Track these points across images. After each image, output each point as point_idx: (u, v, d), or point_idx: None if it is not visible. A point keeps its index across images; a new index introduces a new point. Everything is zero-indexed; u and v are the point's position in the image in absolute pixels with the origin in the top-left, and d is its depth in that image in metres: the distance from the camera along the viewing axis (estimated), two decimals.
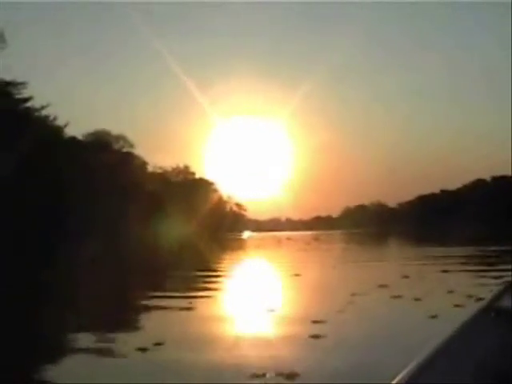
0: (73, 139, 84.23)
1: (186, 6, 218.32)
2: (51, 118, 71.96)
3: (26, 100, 63.21)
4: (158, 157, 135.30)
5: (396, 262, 20.46)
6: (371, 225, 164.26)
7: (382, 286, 11.66)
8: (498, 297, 4.07)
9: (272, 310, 8.96)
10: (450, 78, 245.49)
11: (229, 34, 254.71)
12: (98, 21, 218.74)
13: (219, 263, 23.50)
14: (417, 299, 9.80)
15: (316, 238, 63.75)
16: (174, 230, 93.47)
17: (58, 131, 73.36)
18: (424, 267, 17.22)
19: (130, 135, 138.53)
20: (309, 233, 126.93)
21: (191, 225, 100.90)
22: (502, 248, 25.71)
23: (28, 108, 63.35)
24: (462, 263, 19.08)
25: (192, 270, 19.51)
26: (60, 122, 73.25)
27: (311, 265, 20.47)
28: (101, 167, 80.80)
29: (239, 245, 52.10)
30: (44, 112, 67.58)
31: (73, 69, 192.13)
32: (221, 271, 18.75)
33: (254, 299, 11.11)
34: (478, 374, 2.92)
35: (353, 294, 10.31)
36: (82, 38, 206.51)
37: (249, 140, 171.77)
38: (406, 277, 13.71)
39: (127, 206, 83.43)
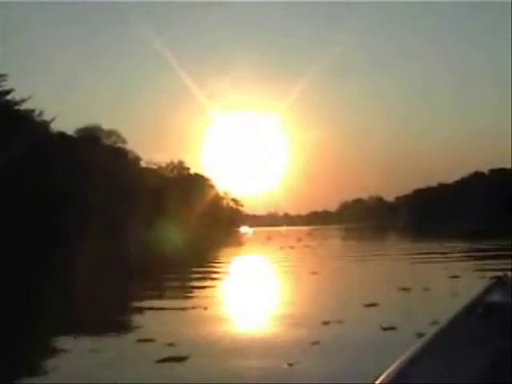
0: (61, 134, 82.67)
1: (184, 2, 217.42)
2: (37, 112, 70.33)
3: (7, 92, 61.28)
4: (153, 152, 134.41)
5: (391, 263, 18.21)
6: (368, 219, 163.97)
7: (369, 305, 8.50)
8: (486, 292, 3.96)
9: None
10: (449, 73, 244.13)
11: (226, 29, 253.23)
12: (95, 15, 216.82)
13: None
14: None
15: (309, 234, 62.77)
16: (169, 226, 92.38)
17: (44, 126, 71.62)
18: (424, 269, 15.36)
19: (125, 131, 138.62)
20: (305, 228, 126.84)
21: (186, 221, 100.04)
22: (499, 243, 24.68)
23: (8, 101, 61.34)
24: (462, 259, 17.54)
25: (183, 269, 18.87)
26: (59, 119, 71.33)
27: (288, 269, 17.13)
28: (90, 163, 79.29)
29: (229, 241, 50.79)
30: (28, 106, 65.65)
31: (67, 63, 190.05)
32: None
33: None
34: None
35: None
36: (78, 32, 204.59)
37: (245, 135, 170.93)
38: (405, 289, 10.27)
39: (118, 202, 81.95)
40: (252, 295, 11.19)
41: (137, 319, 8.78)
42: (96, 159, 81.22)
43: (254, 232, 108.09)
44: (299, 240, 43.58)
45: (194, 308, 9.07)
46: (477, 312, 3.60)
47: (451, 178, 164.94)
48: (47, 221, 62.56)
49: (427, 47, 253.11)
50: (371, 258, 20.29)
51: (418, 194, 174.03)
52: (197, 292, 11.87)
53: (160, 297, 11.73)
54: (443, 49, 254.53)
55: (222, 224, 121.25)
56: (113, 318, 9.13)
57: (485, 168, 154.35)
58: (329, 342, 6.18)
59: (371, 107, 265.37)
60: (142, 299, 11.11)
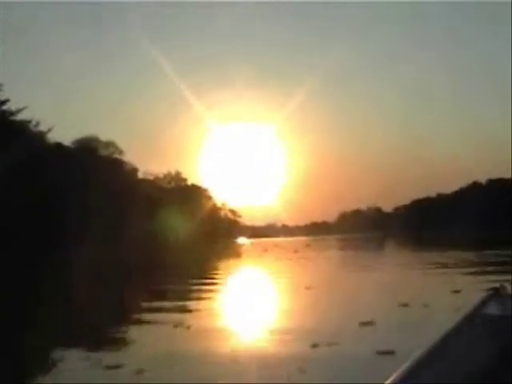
0: (58, 145, 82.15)
1: (181, 12, 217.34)
2: (33, 122, 69.75)
3: (3, 103, 60.58)
4: (150, 163, 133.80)
5: (390, 275, 17.45)
6: (367, 229, 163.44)
7: (365, 324, 7.68)
8: (483, 303, 3.95)
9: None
10: (449, 82, 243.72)
11: (224, 39, 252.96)
12: (93, 22, 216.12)
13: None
14: None
15: (308, 245, 62.05)
16: (167, 237, 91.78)
17: (40, 137, 71.05)
18: (423, 281, 14.63)
19: (123, 142, 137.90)
20: (304, 238, 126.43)
21: (184, 232, 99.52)
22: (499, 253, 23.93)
23: (3, 111, 60.63)
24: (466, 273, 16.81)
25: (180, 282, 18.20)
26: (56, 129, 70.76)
27: (281, 284, 16.18)
28: (87, 173, 78.66)
29: (226, 253, 50.10)
30: (25, 116, 65.05)
31: (64, 71, 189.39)
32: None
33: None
34: None
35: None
36: (74, 42, 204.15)
37: (243, 146, 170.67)
38: (404, 305, 9.42)
39: (115, 213, 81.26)
40: (240, 313, 10.36)
41: (116, 336, 8.11)
42: (93, 170, 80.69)
43: (252, 243, 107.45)
44: (296, 251, 42.84)
45: (176, 327, 8.35)
46: (474, 323, 3.60)
47: (450, 188, 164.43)
48: (44, 231, 61.87)
49: (427, 55, 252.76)
50: (369, 270, 19.59)
51: (416, 204, 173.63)
52: (184, 307, 11.16)
53: (147, 310, 11.17)
54: (444, 58, 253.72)
55: (219, 235, 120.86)
56: (89, 335, 8.44)
57: (483, 178, 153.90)
58: (315, 369, 5.45)
59: (369, 117, 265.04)
60: (129, 312, 10.75)
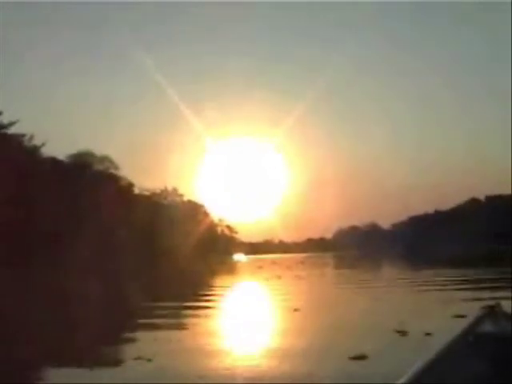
0: (52, 159, 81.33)
1: (179, 28, 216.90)
2: (27, 136, 69.00)
3: None
4: (147, 179, 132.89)
5: (387, 296, 16.29)
6: (364, 246, 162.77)
7: (356, 358, 6.60)
8: (477, 321, 3.98)
9: None
10: (448, 95, 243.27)
11: (221, 54, 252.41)
12: (83, 34, 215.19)
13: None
14: None
15: (302, 262, 61.09)
16: (161, 254, 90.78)
17: (33, 151, 70.21)
18: (423, 304, 13.53)
19: (119, 157, 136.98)
20: (300, 255, 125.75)
21: (179, 248, 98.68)
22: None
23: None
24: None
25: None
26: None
27: (268, 305, 15.04)
28: (82, 189, 77.77)
29: (220, 270, 49.07)
30: (16, 130, 64.19)
31: (59, 87, 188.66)
32: None
33: None
34: None
35: None
36: (70, 56, 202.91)
37: (241, 162, 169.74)
38: (402, 333, 8.30)
39: (109, 228, 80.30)
40: (213, 343, 8.65)
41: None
42: (87, 185, 79.78)
43: (248, 259, 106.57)
44: (289, 269, 41.83)
45: (136, 359, 7.23)
46: (467, 341, 3.63)
47: (448, 205, 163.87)
48: (37, 245, 60.90)
49: (425, 68, 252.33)
50: (364, 291, 18.55)
51: (414, 221, 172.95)
52: (156, 333, 10.09)
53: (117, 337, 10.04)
54: (444, 73, 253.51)
55: (216, 251, 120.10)
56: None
57: (481, 194, 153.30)
58: None
59: (368, 134, 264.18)
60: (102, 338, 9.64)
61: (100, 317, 13.06)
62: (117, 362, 7.35)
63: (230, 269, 51.11)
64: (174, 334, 9.84)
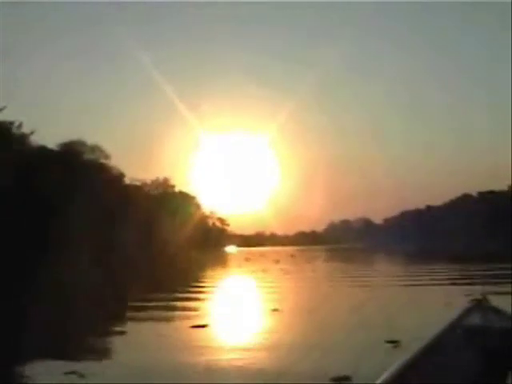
0: (41, 148, 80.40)
1: (174, 21, 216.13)
2: (16, 124, 67.93)
3: None
4: (139, 170, 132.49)
5: (376, 293, 15.29)
6: (356, 240, 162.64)
7: (338, 380, 5.43)
8: (465, 314, 4.06)
9: None
10: (442, 93, 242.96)
11: (215, 48, 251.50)
12: (83, 30, 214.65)
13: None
14: None
15: (292, 255, 60.22)
16: (151, 246, 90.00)
17: (22, 139, 69.15)
18: (416, 304, 12.61)
19: (111, 148, 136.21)
20: (291, 248, 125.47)
21: (170, 239, 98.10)
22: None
23: None
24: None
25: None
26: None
27: (245, 304, 13.65)
28: (70, 178, 76.74)
29: (208, 262, 48.36)
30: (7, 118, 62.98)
31: (54, 77, 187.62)
32: None
33: None
34: None
35: None
36: (67, 46, 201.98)
37: (233, 155, 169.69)
38: (393, 343, 7.10)
39: (98, 217, 79.35)
40: (175, 349, 7.52)
41: None
42: (76, 173, 78.74)
43: (239, 251, 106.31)
44: (277, 262, 40.96)
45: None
46: (456, 334, 3.72)
47: (440, 200, 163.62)
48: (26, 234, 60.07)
49: (427, 63, 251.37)
50: (352, 287, 17.70)
51: (405, 215, 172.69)
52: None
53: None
54: (438, 72, 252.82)
55: (207, 243, 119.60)
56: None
57: (473, 190, 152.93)
58: None
59: (361, 128, 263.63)
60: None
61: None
62: None
63: (218, 261, 50.26)
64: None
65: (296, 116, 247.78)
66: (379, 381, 2.58)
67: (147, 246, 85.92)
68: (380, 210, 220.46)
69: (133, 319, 11.19)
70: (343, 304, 12.65)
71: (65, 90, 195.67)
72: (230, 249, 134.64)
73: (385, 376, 2.68)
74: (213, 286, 19.85)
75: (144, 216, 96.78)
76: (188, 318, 10.50)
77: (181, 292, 17.04)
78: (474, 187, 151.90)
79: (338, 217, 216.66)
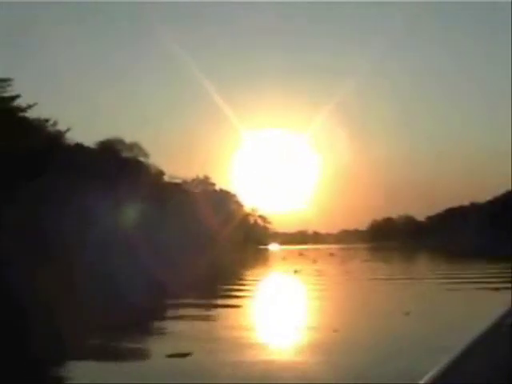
0: (78, 145, 79.79)
1: (214, 20, 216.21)
2: (51, 121, 67.25)
3: (12, 99, 57.51)
4: (179, 168, 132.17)
5: (420, 297, 13.74)
6: (399, 238, 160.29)
7: None
8: (511, 312, 3.85)
9: None
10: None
11: (256, 47, 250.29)
12: (121, 29, 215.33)
13: None
14: None
15: (331, 254, 58.74)
16: (192, 244, 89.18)
17: (57, 137, 68.46)
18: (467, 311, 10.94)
19: (151, 146, 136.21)
20: (333, 246, 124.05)
21: (212, 237, 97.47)
22: None
23: (13, 108, 57.55)
24: None
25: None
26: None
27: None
28: (108, 176, 76.08)
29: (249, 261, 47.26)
30: (39, 114, 62.31)
31: (93, 77, 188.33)
32: None
33: None
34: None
35: None
36: (104, 46, 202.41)
37: (275, 153, 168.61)
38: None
39: (140, 217, 78.59)
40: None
41: None
42: (114, 171, 78.12)
43: (281, 250, 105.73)
44: (314, 261, 39.33)
45: None
46: (501, 331, 3.53)
47: (484, 197, 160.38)
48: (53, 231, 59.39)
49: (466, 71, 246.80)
50: (390, 291, 15.98)
51: (449, 213, 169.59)
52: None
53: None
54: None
55: (249, 241, 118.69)
56: None
57: None
58: None
59: (402, 126, 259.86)
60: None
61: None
62: None
63: (255, 260, 49.05)
64: None
65: (338, 112, 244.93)
66: (422, 381, 2.49)
67: (189, 246, 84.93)
68: (423, 208, 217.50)
69: None
70: (373, 318, 10.94)
71: (110, 88, 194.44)
72: (273, 247, 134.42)
73: (428, 376, 2.58)
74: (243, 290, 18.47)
75: (184, 214, 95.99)
76: None
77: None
78: None
79: (380, 215, 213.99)
